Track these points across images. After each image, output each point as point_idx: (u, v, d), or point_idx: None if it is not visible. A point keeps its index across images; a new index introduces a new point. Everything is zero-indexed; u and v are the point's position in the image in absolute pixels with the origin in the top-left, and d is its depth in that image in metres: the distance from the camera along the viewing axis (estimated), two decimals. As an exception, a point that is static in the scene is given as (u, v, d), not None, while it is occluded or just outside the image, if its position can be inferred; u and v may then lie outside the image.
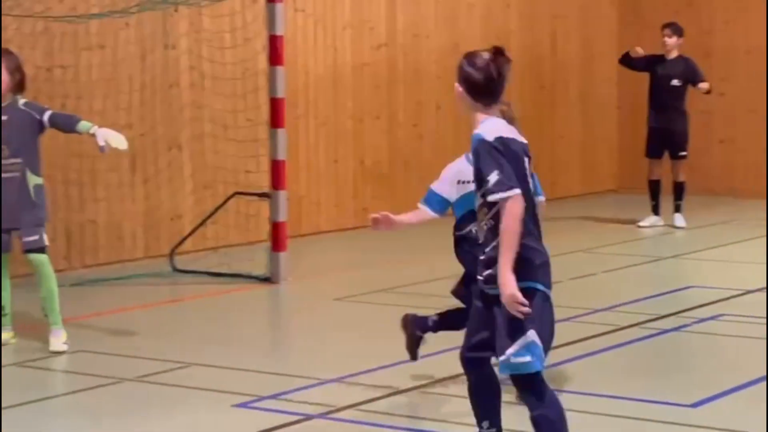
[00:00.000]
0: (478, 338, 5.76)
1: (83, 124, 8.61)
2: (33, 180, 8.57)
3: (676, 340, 8.94)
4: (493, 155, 5.41)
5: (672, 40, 14.42)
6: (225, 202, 12.51)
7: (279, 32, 11.29)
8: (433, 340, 7.66)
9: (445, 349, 8.07)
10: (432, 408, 7.25)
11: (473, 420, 6.00)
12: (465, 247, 7.09)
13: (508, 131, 5.56)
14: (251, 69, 13.16)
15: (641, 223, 14.59)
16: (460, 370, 6.00)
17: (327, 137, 14.54)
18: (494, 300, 5.49)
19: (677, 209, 14.57)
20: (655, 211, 14.66)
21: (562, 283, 10.80)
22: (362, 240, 14.18)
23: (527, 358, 5.42)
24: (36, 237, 8.54)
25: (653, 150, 14.58)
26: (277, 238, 11.42)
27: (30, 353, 8.61)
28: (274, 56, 11.34)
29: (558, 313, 9.46)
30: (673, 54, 14.41)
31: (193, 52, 12.94)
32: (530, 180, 5.57)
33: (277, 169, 11.38)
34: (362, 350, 8.70)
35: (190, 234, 12.50)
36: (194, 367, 8.27)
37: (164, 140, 12.77)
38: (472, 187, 5.84)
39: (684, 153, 14.50)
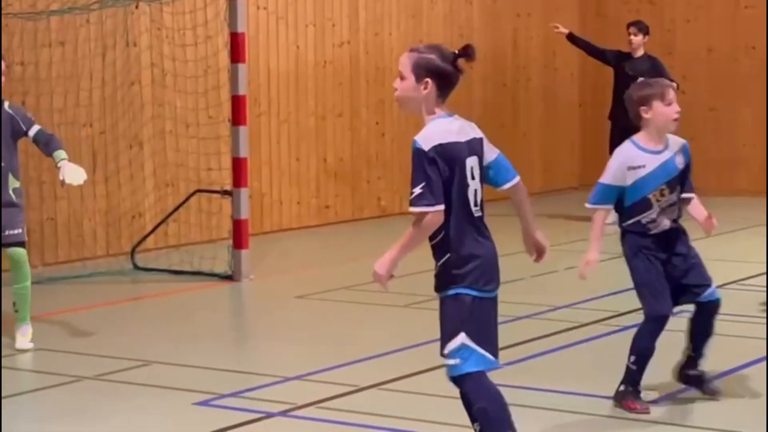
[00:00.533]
0: None
1: (57, 154, 8.46)
2: (13, 183, 8.49)
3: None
4: (423, 167, 5.41)
5: (638, 38, 14.47)
6: (186, 199, 12.47)
7: (241, 29, 11.26)
8: (389, 340, 7.65)
9: (402, 348, 8.10)
10: (392, 405, 7.25)
11: (433, 416, 5.99)
12: (631, 240, 7.09)
13: (450, 133, 5.49)
14: (213, 66, 13.13)
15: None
16: (420, 368, 5.99)
17: (289, 135, 14.51)
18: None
19: None
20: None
21: (523, 281, 10.88)
22: (324, 238, 14.18)
23: (456, 361, 5.51)
24: (18, 231, 8.51)
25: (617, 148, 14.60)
26: (238, 236, 11.38)
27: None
28: (236, 53, 11.30)
29: (519, 310, 9.47)
30: (639, 52, 14.46)
31: (155, 49, 12.89)
32: (471, 182, 5.51)
33: (238, 166, 11.34)
34: (323, 348, 8.69)
35: (151, 232, 12.45)
36: (155, 365, 8.24)
37: (125, 138, 12.71)
38: (643, 172, 6.72)
39: None
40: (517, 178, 5.81)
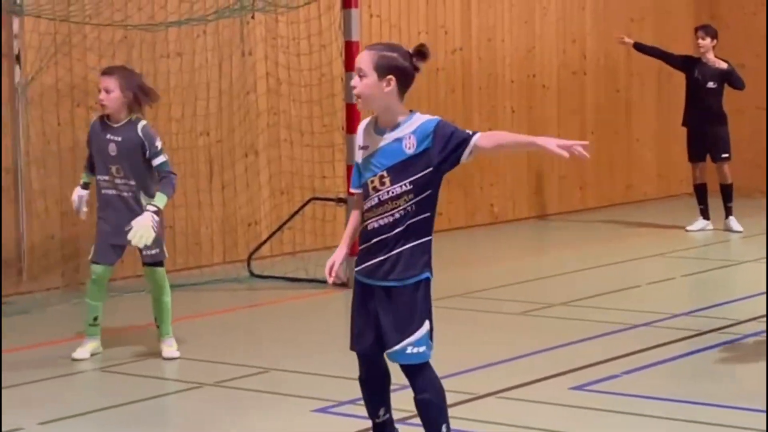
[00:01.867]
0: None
1: (157, 198, 8.45)
2: (146, 201, 8.52)
3: (760, 345, 8.86)
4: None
5: (705, 42, 14.29)
6: (301, 207, 12.58)
7: (354, 38, 11.35)
8: (506, 347, 7.60)
9: (519, 356, 8.04)
10: (510, 413, 7.24)
11: (552, 425, 5.97)
12: None
13: None
14: (327, 75, 13.23)
15: (689, 228, 14.44)
16: (537, 376, 5.98)
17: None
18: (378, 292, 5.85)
19: (730, 212, 14.44)
20: (704, 215, 14.52)
21: (640, 288, 10.82)
22: (437, 244, 14.18)
23: (422, 349, 5.78)
24: (156, 251, 8.62)
25: (694, 153, 14.50)
26: (353, 244, 11.42)
27: (114, 359, 8.73)
28: (350, 62, 11.38)
29: (636, 318, 9.40)
30: (709, 56, 14.27)
31: (270, 58, 13.03)
32: None
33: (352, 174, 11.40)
34: (439, 355, 8.66)
35: (267, 239, 12.59)
36: (273, 372, 8.34)
37: (241, 146, 12.88)
38: None
39: (726, 155, 14.37)
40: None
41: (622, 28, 17.17)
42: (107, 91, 8.50)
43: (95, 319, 8.80)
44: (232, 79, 12.76)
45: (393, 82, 5.65)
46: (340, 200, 11.80)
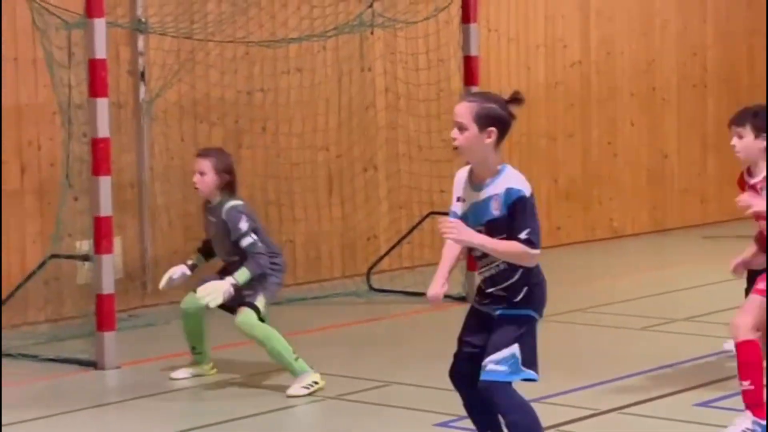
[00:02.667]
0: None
1: (239, 274, 8.23)
2: (241, 277, 8.24)
3: None
4: (531, 212, 5.70)
5: None
6: (420, 221, 12.61)
7: (473, 53, 11.36)
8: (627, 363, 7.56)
9: (641, 371, 7.97)
10: (633, 430, 7.18)
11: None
12: None
13: None
14: (446, 89, 13.24)
15: None
16: (660, 392, 5.93)
17: (520, 156, 14.52)
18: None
19: None
20: None
21: None
22: (556, 259, 14.11)
23: (502, 368, 5.73)
24: (250, 292, 8.34)
25: None
26: (471, 258, 11.40)
27: (233, 372, 8.83)
28: (469, 76, 11.41)
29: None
30: None
31: (389, 73, 13.10)
32: None
33: (472, 188, 11.42)
34: (560, 370, 8.65)
35: (386, 254, 12.64)
36: (393, 385, 8.37)
37: (360, 161, 12.95)
38: None
39: None
40: None
41: (744, 40, 16.96)
42: (201, 174, 8.39)
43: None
44: (351, 95, 12.84)
45: (494, 134, 5.68)
46: (458, 214, 11.80)
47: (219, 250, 8.57)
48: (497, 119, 5.68)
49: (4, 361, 9.27)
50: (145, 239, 11.38)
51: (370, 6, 12.10)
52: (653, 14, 15.89)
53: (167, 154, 11.47)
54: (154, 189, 11.42)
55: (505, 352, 5.72)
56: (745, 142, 7.26)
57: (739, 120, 7.33)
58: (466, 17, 11.35)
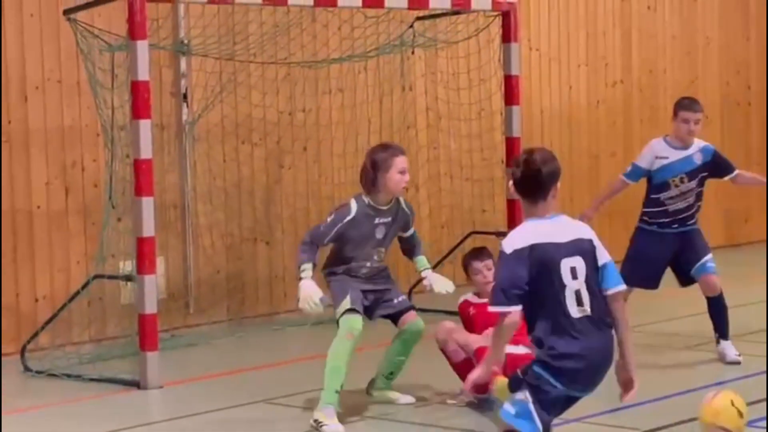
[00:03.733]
0: None
1: (420, 259, 8.70)
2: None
3: None
4: (504, 263, 5.67)
5: None
6: (462, 241, 12.61)
7: (514, 72, 11.37)
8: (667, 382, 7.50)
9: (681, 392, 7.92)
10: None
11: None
12: None
13: (539, 234, 5.71)
14: (487, 109, 13.26)
15: None
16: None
17: (562, 175, 14.47)
18: None
19: None
20: None
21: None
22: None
23: (512, 410, 5.70)
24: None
25: None
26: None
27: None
28: (510, 96, 11.42)
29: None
30: None
31: (430, 93, 13.13)
32: (569, 283, 5.64)
33: (513, 208, 11.42)
34: (601, 389, 8.60)
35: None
36: (434, 404, 8.34)
37: (403, 181, 12.96)
38: None
39: None
40: (621, 287, 5.82)
41: (788, 58, 16.86)
42: (406, 172, 8.30)
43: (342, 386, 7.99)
44: (392, 114, 12.88)
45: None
46: (499, 234, 11.79)
47: (373, 253, 8.32)
48: (515, 183, 5.89)
49: (48, 380, 9.36)
50: (188, 259, 11.45)
51: (411, 26, 12.15)
52: (695, 32, 15.85)
53: (210, 175, 11.54)
54: (196, 209, 11.49)
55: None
56: None
57: None
58: (507, 36, 11.37)
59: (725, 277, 9.89)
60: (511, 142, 11.42)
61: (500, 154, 12.04)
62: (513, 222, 11.43)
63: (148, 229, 9.14)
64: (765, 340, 9.96)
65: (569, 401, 5.81)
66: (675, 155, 9.43)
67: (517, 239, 5.71)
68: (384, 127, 12.81)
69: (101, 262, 10.00)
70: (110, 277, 9.99)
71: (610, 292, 5.77)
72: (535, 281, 5.61)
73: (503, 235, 11.58)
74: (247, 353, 10.20)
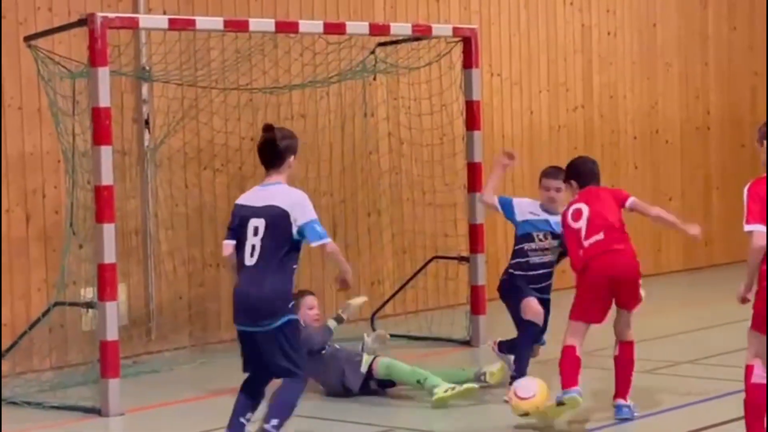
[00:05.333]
0: None
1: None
2: None
3: None
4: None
5: None
6: (424, 266, 12.64)
7: (476, 97, 11.44)
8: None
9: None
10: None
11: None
12: None
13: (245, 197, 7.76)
14: (448, 134, 13.28)
15: None
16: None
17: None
18: None
19: None
20: None
21: None
22: (561, 301, 14.10)
23: None
24: None
25: None
26: (476, 302, 11.49)
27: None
28: (471, 121, 11.48)
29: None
30: None
31: (392, 119, 13.17)
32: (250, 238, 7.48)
33: (475, 232, 11.48)
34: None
35: (390, 298, 12.65)
36: (395, 430, 8.35)
37: (364, 206, 13.00)
38: None
39: None
40: (322, 242, 7.64)
41: (746, 81, 17.03)
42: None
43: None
44: (355, 140, 12.91)
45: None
46: (462, 258, 11.85)
47: None
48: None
49: (7, 408, 9.30)
50: (150, 286, 11.42)
51: (373, 52, 12.20)
52: (655, 58, 15.98)
53: (171, 201, 11.53)
54: (158, 235, 11.47)
55: None
56: None
57: None
58: (468, 62, 11.44)
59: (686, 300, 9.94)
60: (472, 167, 11.47)
61: (462, 180, 12.08)
62: (476, 246, 11.48)
63: (110, 256, 9.12)
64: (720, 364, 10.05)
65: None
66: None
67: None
68: (346, 152, 12.84)
69: (62, 289, 9.96)
70: (71, 304, 9.95)
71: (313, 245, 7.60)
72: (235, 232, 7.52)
73: (466, 260, 11.71)
74: (210, 379, 10.17)
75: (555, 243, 9.34)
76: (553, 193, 9.34)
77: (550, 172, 9.46)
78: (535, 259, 9.33)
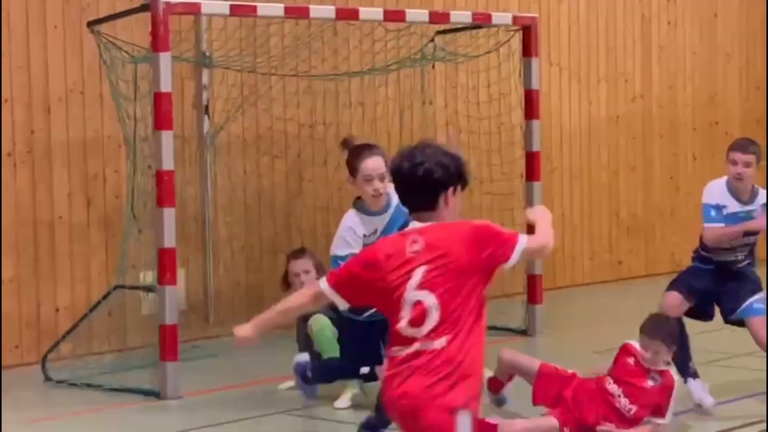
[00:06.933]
0: None
1: None
2: None
3: None
4: None
5: None
6: (480, 255, 12.60)
7: (534, 86, 11.40)
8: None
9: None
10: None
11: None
12: None
13: None
14: (507, 123, 13.26)
15: None
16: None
17: (581, 190, 14.52)
18: None
19: None
20: None
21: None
22: (617, 293, 14.07)
23: None
24: None
25: None
26: (533, 291, 11.47)
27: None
28: (530, 110, 11.45)
29: None
30: None
31: (450, 107, 13.16)
32: None
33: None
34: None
35: (447, 286, 12.62)
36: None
37: (422, 194, 12.97)
38: None
39: None
40: None
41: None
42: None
43: None
44: (412, 129, 12.90)
45: None
46: (522, 248, 11.82)
47: None
48: None
49: (68, 390, 9.41)
50: (208, 271, 11.48)
51: (432, 40, 12.19)
52: (716, 48, 15.86)
53: (230, 187, 11.58)
54: (217, 221, 11.53)
55: None
56: None
57: None
58: (527, 51, 11.40)
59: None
60: (531, 157, 11.44)
61: (520, 169, 12.06)
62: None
63: (170, 240, 9.18)
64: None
65: None
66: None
67: None
68: (404, 141, 12.81)
69: (122, 273, 10.05)
70: (131, 288, 10.04)
71: None
72: None
73: (522, 249, 11.66)
74: (267, 365, 10.22)
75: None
76: (740, 167, 8.49)
77: (740, 145, 8.53)
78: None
